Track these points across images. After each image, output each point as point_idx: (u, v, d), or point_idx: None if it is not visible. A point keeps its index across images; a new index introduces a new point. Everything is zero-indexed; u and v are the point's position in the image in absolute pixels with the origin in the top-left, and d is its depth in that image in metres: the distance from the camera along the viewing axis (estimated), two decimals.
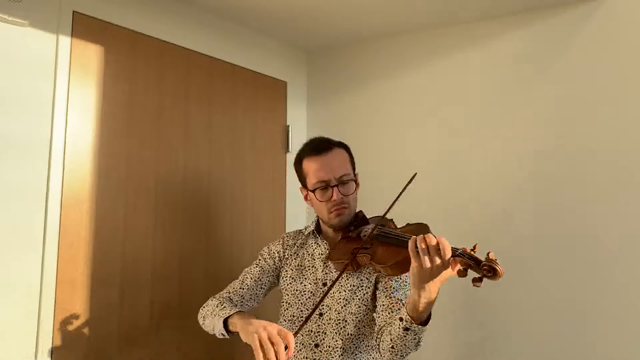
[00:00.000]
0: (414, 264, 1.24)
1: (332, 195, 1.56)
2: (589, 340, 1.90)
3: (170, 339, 1.97)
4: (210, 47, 2.22)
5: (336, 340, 1.54)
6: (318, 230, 1.70)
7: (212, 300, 1.61)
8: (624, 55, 1.95)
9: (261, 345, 1.28)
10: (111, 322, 1.81)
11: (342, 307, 1.55)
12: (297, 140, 2.59)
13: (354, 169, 1.66)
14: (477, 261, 1.20)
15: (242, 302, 1.65)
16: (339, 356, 1.53)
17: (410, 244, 1.25)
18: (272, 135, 2.48)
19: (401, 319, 1.32)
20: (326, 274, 1.61)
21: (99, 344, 1.77)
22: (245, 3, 2.15)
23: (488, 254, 1.20)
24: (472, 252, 1.22)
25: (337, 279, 1.39)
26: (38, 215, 1.66)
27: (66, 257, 1.71)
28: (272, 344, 1.27)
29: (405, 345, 1.33)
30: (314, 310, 1.37)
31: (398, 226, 1.57)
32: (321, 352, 1.54)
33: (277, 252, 1.72)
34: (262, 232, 2.37)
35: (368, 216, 1.67)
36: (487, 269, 1.17)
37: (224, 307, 1.53)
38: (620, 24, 1.97)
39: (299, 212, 2.57)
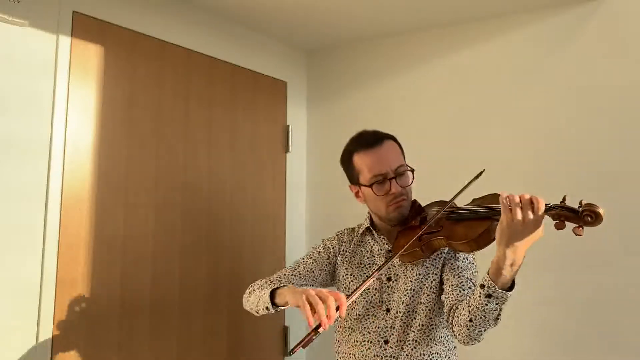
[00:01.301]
0: (504, 218, 1.19)
1: (390, 188, 1.50)
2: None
3: (170, 339, 1.97)
4: (210, 47, 2.22)
5: (407, 334, 1.48)
6: (373, 226, 1.63)
7: (260, 280, 1.59)
8: (624, 55, 1.95)
9: (310, 303, 1.22)
10: (111, 322, 1.81)
11: (410, 299, 1.50)
12: (297, 140, 2.59)
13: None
14: (575, 210, 1.18)
15: None
16: (412, 349, 1.47)
17: (502, 199, 1.20)
18: (272, 135, 2.48)
19: (482, 286, 1.25)
20: (389, 268, 1.55)
21: (99, 344, 1.77)
22: (245, 3, 2.15)
23: (581, 201, 1.18)
24: (565, 204, 1.20)
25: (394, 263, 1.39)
26: (38, 216, 1.66)
27: (66, 257, 1.71)
28: (321, 299, 1.21)
29: (485, 317, 1.26)
30: (371, 277, 1.33)
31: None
32: (392, 347, 1.48)
33: (332, 247, 1.65)
34: (262, 232, 2.38)
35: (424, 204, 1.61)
36: (588, 214, 1.16)
37: (273, 283, 1.52)
38: (620, 24, 1.97)
39: (299, 212, 2.57)
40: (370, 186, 1.52)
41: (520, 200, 1.18)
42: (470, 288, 1.45)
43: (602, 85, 1.98)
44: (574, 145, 2.01)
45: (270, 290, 1.44)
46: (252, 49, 2.41)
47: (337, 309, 1.21)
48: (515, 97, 2.15)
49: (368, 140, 1.55)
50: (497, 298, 1.23)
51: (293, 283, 1.57)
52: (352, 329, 1.56)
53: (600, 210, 1.15)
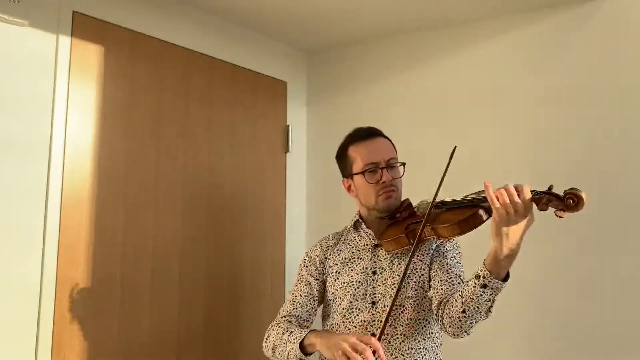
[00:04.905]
0: (495, 212, 1.24)
1: (381, 177, 1.56)
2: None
3: (170, 339, 1.98)
4: (210, 47, 2.22)
5: (395, 327, 1.49)
6: (362, 220, 1.66)
7: (273, 330, 1.59)
8: (624, 55, 1.95)
9: (347, 357, 1.29)
10: (111, 322, 1.81)
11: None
12: (297, 140, 2.59)
13: None
14: (558, 196, 1.24)
15: (299, 322, 1.62)
16: (400, 343, 1.48)
17: (488, 192, 1.26)
18: (272, 135, 2.48)
19: (477, 277, 1.29)
20: (375, 262, 1.57)
21: (98, 344, 1.77)
22: (245, 3, 2.15)
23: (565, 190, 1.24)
24: (550, 191, 1.26)
25: (411, 256, 1.39)
26: (38, 215, 1.66)
27: (66, 257, 1.71)
28: (357, 352, 1.29)
29: (478, 308, 1.30)
30: (391, 306, 1.37)
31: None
32: (380, 340, 1.43)
33: (317, 257, 1.67)
34: (262, 232, 2.38)
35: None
36: (571, 198, 1.21)
37: (291, 331, 1.51)
38: (620, 24, 1.97)
39: (299, 212, 2.57)
40: (362, 173, 1.58)
41: (507, 191, 1.24)
42: (459, 284, 1.48)
43: (601, 86, 1.98)
44: (573, 146, 2.01)
45: (298, 342, 1.45)
46: (252, 49, 2.41)
47: (374, 352, 1.29)
48: (515, 97, 2.14)
49: (363, 133, 1.64)
50: (492, 289, 1.28)
51: (299, 316, 1.62)
52: (337, 324, 1.57)
53: (583, 195, 1.20)
